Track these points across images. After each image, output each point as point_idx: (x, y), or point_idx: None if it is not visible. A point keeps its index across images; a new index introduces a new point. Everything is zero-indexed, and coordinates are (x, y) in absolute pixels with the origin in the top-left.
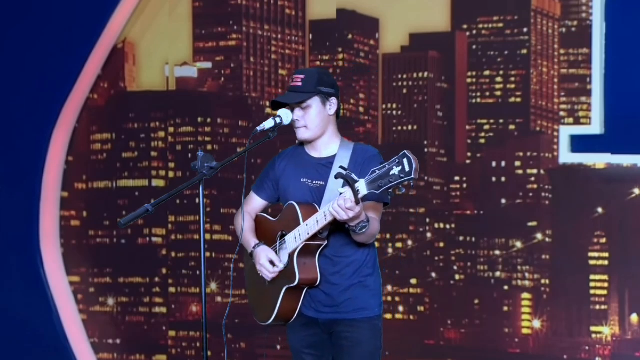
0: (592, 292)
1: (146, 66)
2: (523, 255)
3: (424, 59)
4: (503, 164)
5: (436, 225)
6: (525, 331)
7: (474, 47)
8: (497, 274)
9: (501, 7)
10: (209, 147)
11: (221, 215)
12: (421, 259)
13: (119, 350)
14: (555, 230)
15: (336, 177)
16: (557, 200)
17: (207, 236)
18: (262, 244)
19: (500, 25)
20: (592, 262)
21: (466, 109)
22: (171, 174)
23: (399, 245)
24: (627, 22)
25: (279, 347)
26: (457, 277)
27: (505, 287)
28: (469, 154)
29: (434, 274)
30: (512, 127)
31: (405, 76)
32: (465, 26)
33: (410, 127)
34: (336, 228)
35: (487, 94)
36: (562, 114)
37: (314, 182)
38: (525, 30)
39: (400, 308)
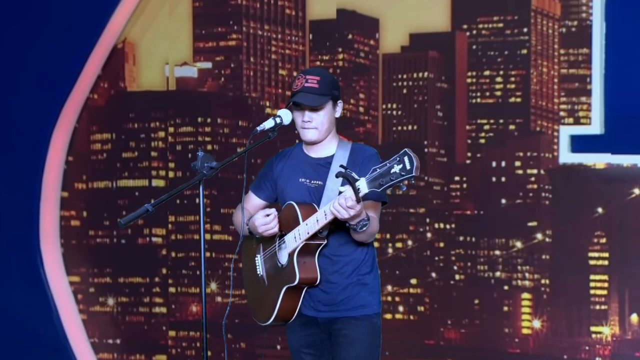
0: (592, 292)
1: (146, 66)
2: (523, 255)
3: (424, 59)
4: (503, 164)
5: (436, 225)
6: (525, 331)
7: (474, 47)
8: (497, 274)
9: (501, 7)
10: (209, 147)
11: (221, 215)
12: (421, 259)
13: (119, 350)
14: (555, 230)
15: (337, 175)
16: (557, 200)
17: (207, 236)
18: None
19: (500, 25)
20: (592, 262)
21: (466, 109)
22: (171, 174)
23: (399, 245)
24: (627, 22)
25: (278, 347)
26: (457, 277)
27: (505, 287)
28: (469, 154)
29: (434, 274)
30: (512, 127)
31: (405, 76)
32: (465, 26)
33: (410, 127)
34: (335, 227)
35: (487, 94)
36: (562, 114)
37: (312, 182)
38: (525, 30)
39: (400, 308)
